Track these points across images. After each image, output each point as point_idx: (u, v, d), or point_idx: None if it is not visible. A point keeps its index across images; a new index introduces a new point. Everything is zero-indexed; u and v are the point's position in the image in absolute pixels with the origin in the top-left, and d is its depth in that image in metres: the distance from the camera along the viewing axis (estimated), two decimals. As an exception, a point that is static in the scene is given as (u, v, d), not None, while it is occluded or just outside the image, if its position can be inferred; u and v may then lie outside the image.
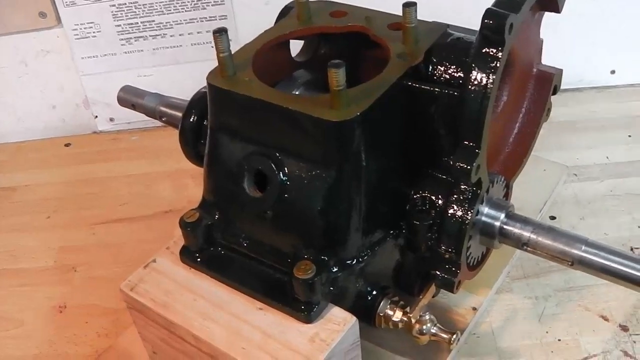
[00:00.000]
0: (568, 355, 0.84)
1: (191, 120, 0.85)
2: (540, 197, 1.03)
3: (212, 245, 0.76)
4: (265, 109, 0.69)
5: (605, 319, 0.88)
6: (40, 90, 1.33)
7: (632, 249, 0.96)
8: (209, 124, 0.76)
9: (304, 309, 0.68)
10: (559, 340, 0.86)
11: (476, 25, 0.68)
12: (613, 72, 1.30)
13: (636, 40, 1.27)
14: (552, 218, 1.03)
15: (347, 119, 0.65)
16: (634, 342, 0.85)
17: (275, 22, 0.85)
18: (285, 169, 0.69)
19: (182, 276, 0.75)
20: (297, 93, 0.80)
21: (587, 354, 0.84)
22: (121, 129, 1.36)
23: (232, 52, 0.73)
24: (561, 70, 0.87)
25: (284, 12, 0.85)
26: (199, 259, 0.75)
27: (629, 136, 1.19)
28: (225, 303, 0.72)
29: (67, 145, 1.35)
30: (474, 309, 0.88)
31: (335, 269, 0.70)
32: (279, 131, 0.69)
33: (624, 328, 0.87)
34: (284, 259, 0.71)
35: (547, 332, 0.87)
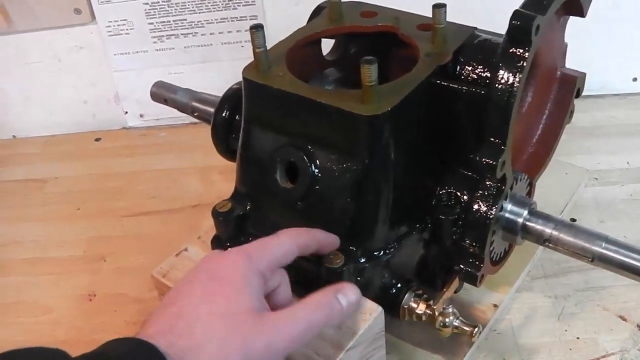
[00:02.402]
0: (586, 353, 0.86)
1: (223, 115, 0.87)
2: (561, 199, 1.04)
3: (243, 235, 0.78)
4: (298, 103, 0.71)
5: (624, 319, 0.89)
6: (72, 85, 1.35)
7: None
8: (243, 116, 0.78)
9: (331, 298, 0.70)
10: (578, 338, 0.87)
11: (501, 28, 0.71)
12: (635, 79, 1.31)
13: (658, 49, 1.28)
14: (573, 220, 1.03)
15: (378, 113, 0.67)
16: (652, 341, 0.87)
17: (308, 21, 0.87)
18: (317, 161, 0.72)
19: (213, 264, 0.77)
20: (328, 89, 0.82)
21: (605, 352, 0.86)
22: (150, 125, 1.38)
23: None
24: (584, 74, 0.89)
25: (317, 12, 0.88)
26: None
27: (650, 142, 1.21)
28: (255, 291, 0.73)
29: (97, 139, 1.37)
30: (495, 305, 0.90)
31: (362, 260, 0.72)
32: (311, 124, 0.71)
33: (642, 328, 0.88)
34: (312, 249, 0.72)
35: (566, 330, 0.89)
